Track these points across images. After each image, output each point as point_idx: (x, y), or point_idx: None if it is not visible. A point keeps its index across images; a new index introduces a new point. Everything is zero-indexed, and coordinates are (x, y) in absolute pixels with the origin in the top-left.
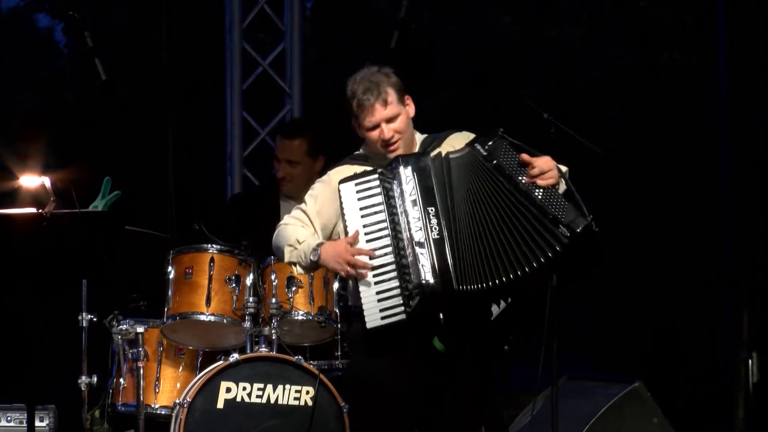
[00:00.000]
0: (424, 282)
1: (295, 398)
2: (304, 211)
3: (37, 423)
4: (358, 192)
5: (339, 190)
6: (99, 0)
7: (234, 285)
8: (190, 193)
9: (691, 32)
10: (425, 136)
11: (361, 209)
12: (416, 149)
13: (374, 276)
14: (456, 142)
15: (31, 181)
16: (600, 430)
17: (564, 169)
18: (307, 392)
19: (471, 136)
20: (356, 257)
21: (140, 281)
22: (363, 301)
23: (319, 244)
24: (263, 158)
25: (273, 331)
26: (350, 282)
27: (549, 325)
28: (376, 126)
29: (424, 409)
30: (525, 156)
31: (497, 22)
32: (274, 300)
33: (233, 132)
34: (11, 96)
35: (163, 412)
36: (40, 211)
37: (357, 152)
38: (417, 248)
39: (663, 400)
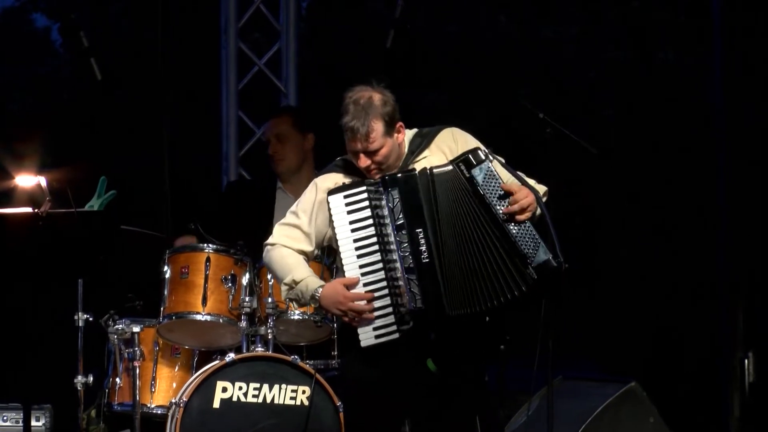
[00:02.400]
0: (416, 308)
1: (291, 398)
2: (295, 226)
3: (33, 422)
4: (347, 204)
5: (328, 201)
6: (95, 0)
7: (230, 284)
8: (186, 193)
9: (686, 32)
10: (414, 133)
11: (351, 222)
12: (405, 151)
13: (367, 293)
14: (444, 142)
15: (27, 180)
16: (596, 430)
17: (542, 189)
18: (304, 392)
19: (460, 133)
20: (355, 303)
21: (136, 281)
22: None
23: (319, 288)
24: (259, 158)
25: (269, 331)
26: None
27: (544, 325)
28: (356, 152)
29: (418, 408)
30: (505, 186)
31: (493, 21)
32: (270, 299)
33: (229, 132)
34: (7, 96)
35: (159, 412)
36: (36, 210)
37: (344, 157)
38: (407, 274)
39: (659, 400)
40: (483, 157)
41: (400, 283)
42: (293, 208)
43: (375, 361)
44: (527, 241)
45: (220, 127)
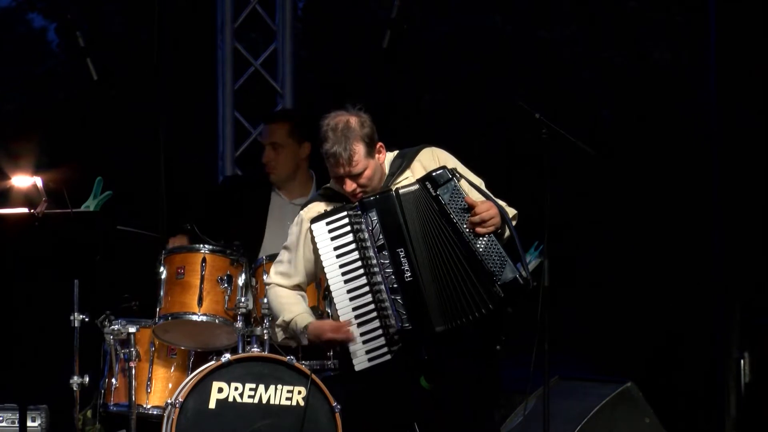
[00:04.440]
0: (403, 328)
1: (287, 398)
2: (286, 261)
3: (29, 423)
4: (330, 231)
5: (311, 230)
6: (91, 0)
7: (226, 285)
8: (182, 193)
9: (682, 32)
10: (394, 156)
11: (335, 249)
12: (385, 174)
13: (356, 318)
14: (426, 161)
15: (23, 181)
16: (592, 431)
17: (512, 212)
18: (299, 392)
19: (441, 153)
20: (332, 334)
21: (132, 281)
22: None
23: (306, 327)
24: (255, 158)
25: (265, 331)
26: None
27: (540, 325)
28: (340, 177)
29: (417, 409)
30: (468, 200)
31: (488, 22)
32: (266, 300)
33: (225, 132)
34: (3, 96)
35: (155, 413)
36: (32, 211)
37: (326, 186)
38: (392, 294)
39: (655, 401)
40: (449, 176)
41: (387, 304)
42: (285, 243)
43: (370, 377)
44: (494, 259)
45: (216, 127)
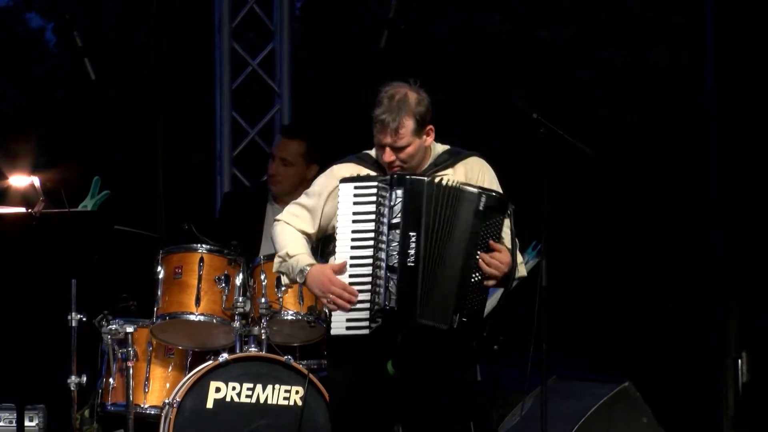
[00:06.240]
0: (388, 308)
1: (285, 398)
2: (304, 206)
3: (27, 423)
4: (355, 196)
5: (339, 188)
6: (89, 0)
7: (223, 285)
8: (180, 193)
9: (680, 32)
10: (444, 150)
11: (354, 213)
12: (429, 158)
13: (350, 285)
14: (472, 168)
15: (20, 180)
16: (589, 430)
17: (522, 273)
18: (297, 392)
19: (487, 168)
20: (338, 289)
21: (130, 281)
22: None
23: (308, 266)
24: (253, 158)
25: (262, 331)
26: None
27: (538, 324)
28: (383, 146)
29: (410, 408)
30: (492, 244)
31: (486, 21)
32: (263, 300)
33: (222, 132)
34: (0, 95)
35: (152, 412)
36: (29, 210)
37: (366, 151)
38: (389, 273)
39: (653, 400)
40: (506, 210)
41: (381, 281)
42: (307, 190)
43: (350, 362)
44: (474, 295)
45: (213, 127)
